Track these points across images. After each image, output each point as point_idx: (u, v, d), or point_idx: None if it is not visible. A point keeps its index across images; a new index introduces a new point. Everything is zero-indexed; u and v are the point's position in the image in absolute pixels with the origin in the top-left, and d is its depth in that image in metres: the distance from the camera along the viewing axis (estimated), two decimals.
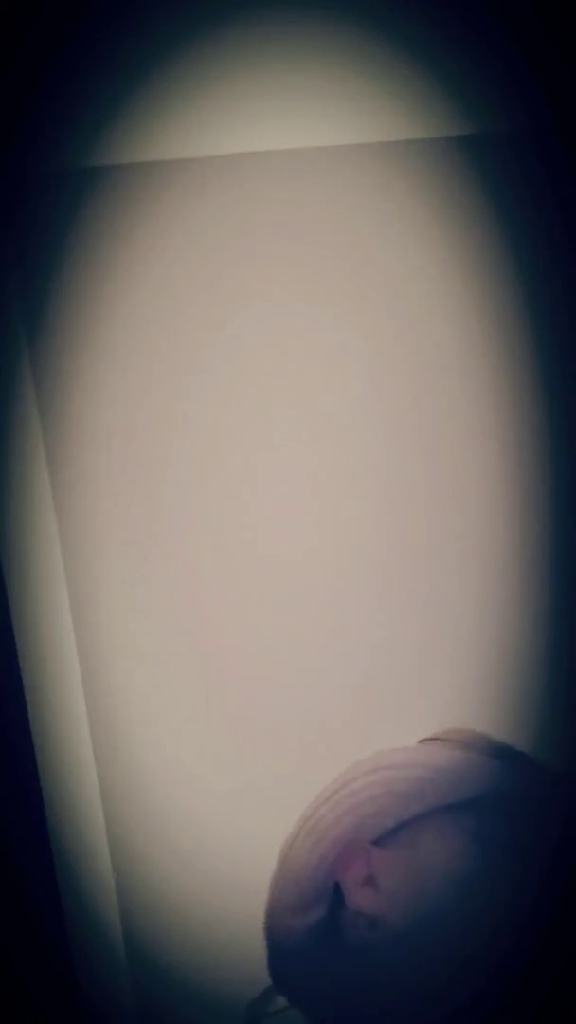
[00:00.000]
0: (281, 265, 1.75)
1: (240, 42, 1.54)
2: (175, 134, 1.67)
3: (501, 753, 1.12)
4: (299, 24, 1.53)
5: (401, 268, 1.77)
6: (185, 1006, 1.68)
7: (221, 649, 1.74)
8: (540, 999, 1.04)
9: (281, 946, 1.09)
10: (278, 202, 1.74)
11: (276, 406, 1.76)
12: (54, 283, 1.70)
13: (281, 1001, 1.13)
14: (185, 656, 1.73)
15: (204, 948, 1.69)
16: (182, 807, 1.70)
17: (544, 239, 1.79)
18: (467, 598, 1.78)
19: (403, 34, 1.56)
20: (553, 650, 1.79)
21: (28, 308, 1.70)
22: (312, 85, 1.63)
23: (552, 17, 1.55)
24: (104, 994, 1.51)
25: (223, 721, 1.72)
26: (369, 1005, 1.05)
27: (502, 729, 1.75)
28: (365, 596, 1.77)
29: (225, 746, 1.72)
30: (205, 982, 1.68)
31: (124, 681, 1.71)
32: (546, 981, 1.04)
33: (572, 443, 1.81)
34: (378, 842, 1.06)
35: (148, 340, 1.73)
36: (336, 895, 1.06)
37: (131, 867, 1.68)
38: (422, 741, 1.15)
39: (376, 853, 1.05)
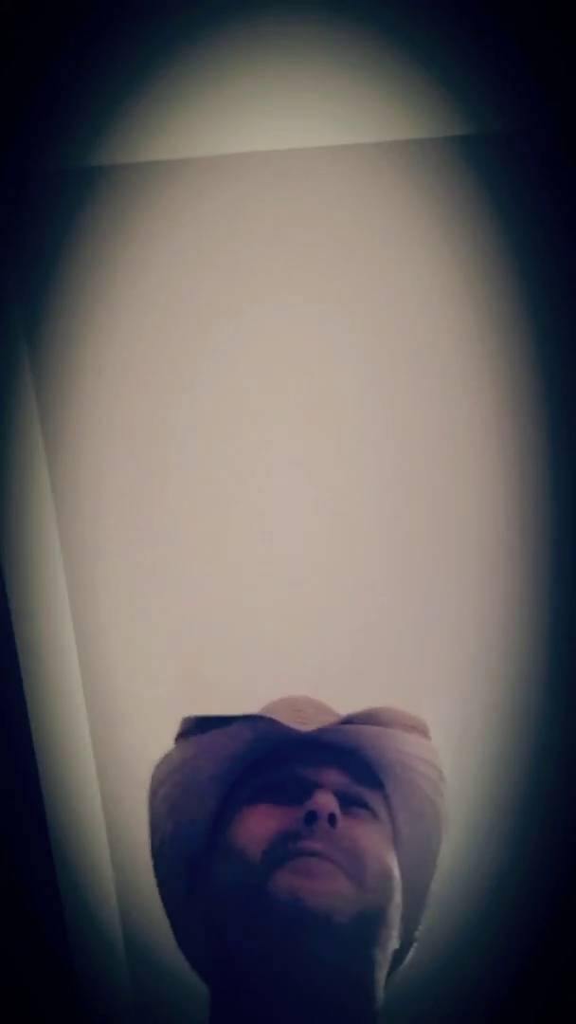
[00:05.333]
0: (281, 265, 1.75)
1: (240, 42, 1.54)
2: (175, 134, 1.67)
3: (218, 722, 1.19)
4: (299, 24, 1.53)
5: (401, 268, 1.78)
6: (185, 1006, 1.68)
7: (222, 648, 1.74)
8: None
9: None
10: (278, 202, 1.74)
11: (277, 405, 1.76)
12: (54, 283, 1.70)
13: None
14: (186, 655, 1.73)
15: None
16: None
17: (544, 239, 1.79)
18: (468, 588, 1.79)
19: (403, 34, 1.56)
20: (555, 638, 1.80)
21: (28, 308, 1.70)
22: (312, 85, 1.63)
23: (552, 17, 1.55)
24: (104, 994, 1.51)
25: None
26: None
27: (503, 718, 1.75)
28: (367, 596, 1.77)
29: None
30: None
31: (124, 681, 1.71)
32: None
33: (571, 436, 1.81)
34: (198, 853, 1.15)
35: (148, 339, 1.73)
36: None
37: (131, 866, 1.69)
38: (176, 739, 1.21)
39: (200, 863, 1.14)
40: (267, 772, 1.14)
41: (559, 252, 1.80)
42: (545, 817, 1.78)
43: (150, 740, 1.71)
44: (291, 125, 1.70)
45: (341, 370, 1.77)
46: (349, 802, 1.11)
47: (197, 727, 1.18)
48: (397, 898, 1.10)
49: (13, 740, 1.31)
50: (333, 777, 1.12)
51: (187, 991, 1.69)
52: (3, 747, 1.31)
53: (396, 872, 1.11)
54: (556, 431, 1.80)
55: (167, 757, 1.21)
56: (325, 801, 1.08)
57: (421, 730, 1.20)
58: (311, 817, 1.06)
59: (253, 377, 1.75)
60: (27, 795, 1.30)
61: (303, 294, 1.75)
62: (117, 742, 1.72)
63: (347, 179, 1.76)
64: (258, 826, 1.09)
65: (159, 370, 1.73)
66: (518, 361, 1.80)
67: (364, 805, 1.13)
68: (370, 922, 1.05)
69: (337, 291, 1.76)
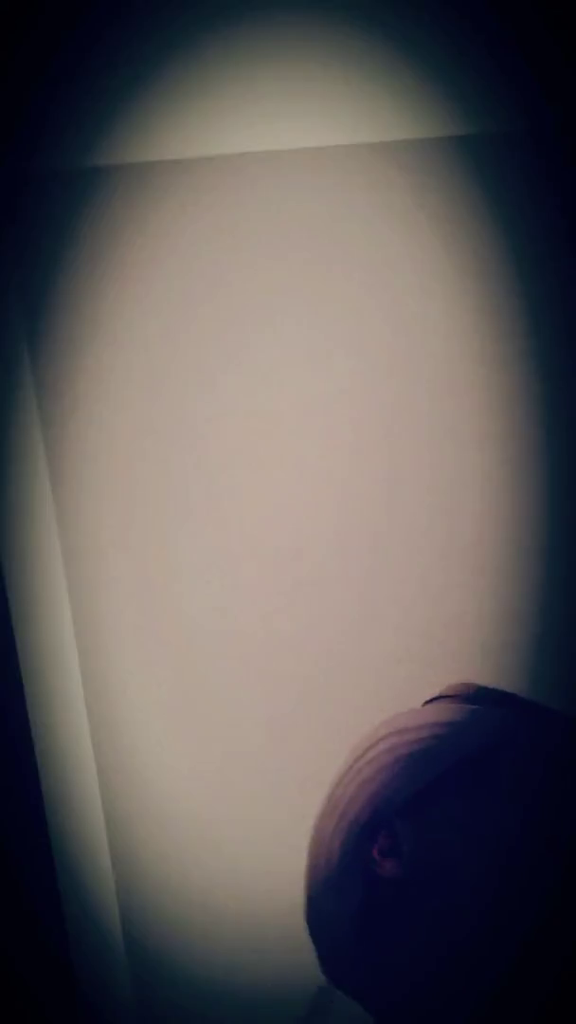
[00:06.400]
0: (281, 265, 1.75)
1: (240, 42, 1.54)
2: (175, 134, 1.67)
3: (506, 702, 1.11)
4: (299, 24, 1.53)
5: (401, 268, 1.78)
6: (185, 1005, 1.68)
7: (223, 647, 1.74)
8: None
9: (326, 935, 1.08)
10: (278, 202, 1.74)
11: (278, 404, 1.76)
12: (54, 283, 1.70)
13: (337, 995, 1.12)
14: (187, 655, 1.73)
15: (204, 947, 1.69)
16: (182, 807, 1.70)
17: (544, 239, 1.79)
18: (467, 585, 1.79)
19: (403, 34, 1.56)
20: (555, 628, 1.80)
21: (28, 308, 1.70)
22: (312, 85, 1.63)
23: (552, 17, 1.55)
24: (104, 994, 1.51)
25: (224, 720, 1.72)
26: (412, 979, 1.05)
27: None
28: (368, 594, 1.77)
29: (226, 745, 1.72)
30: (205, 981, 1.68)
31: (124, 680, 1.71)
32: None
33: (570, 434, 1.81)
34: (400, 810, 1.06)
35: (148, 340, 1.73)
36: (368, 873, 1.05)
37: (131, 866, 1.69)
38: (428, 702, 1.15)
39: (398, 823, 1.05)
40: (504, 765, 1.09)
41: (558, 251, 1.80)
42: None
43: (150, 740, 1.71)
44: (291, 125, 1.70)
45: (342, 369, 1.77)
46: None
47: (471, 695, 1.13)
48: None
49: (13, 741, 1.31)
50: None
51: (187, 991, 1.69)
52: (3, 747, 1.31)
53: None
54: (554, 428, 1.80)
55: (415, 712, 1.14)
56: None
57: None
58: (552, 841, 1.03)
59: (254, 376, 1.75)
60: (27, 795, 1.30)
61: (303, 293, 1.75)
62: (117, 742, 1.71)
63: (347, 179, 1.76)
64: (485, 819, 1.05)
65: (159, 370, 1.73)
66: (517, 359, 1.80)
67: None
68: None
69: (337, 290, 1.76)
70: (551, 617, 1.80)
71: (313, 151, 1.75)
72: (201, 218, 1.73)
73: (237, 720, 1.73)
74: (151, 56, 1.53)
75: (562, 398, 1.81)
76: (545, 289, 1.80)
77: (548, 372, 1.80)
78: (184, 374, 1.74)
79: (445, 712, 1.10)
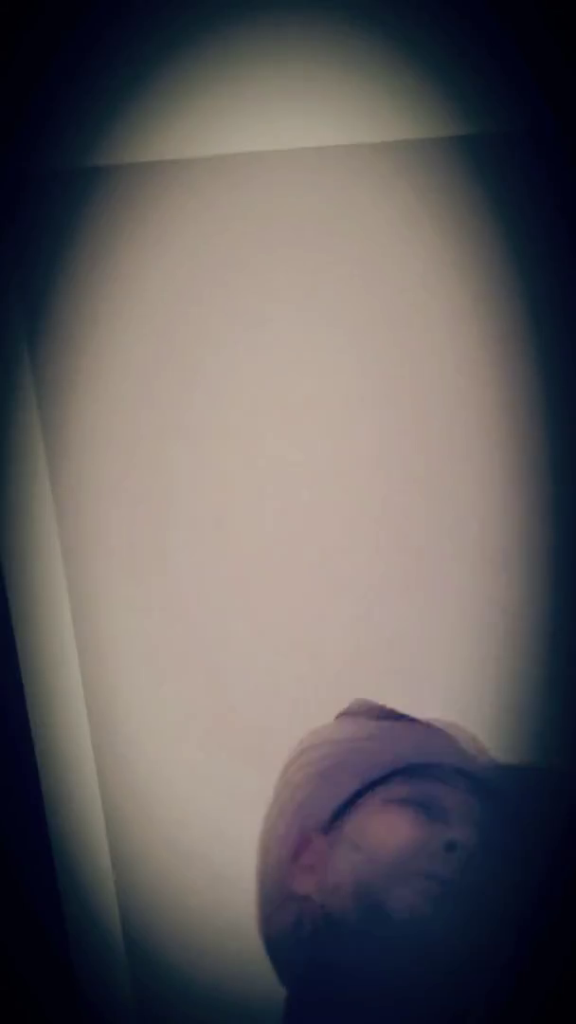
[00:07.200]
0: (281, 265, 1.75)
1: (241, 42, 1.54)
2: (175, 134, 1.67)
3: (404, 720, 1.14)
4: (299, 24, 1.53)
5: (401, 268, 1.77)
6: (185, 1005, 1.68)
7: (223, 648, 1.74)
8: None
9: (271, 942, 1.11)
10: (278, 202, 1.74)
11: (278, 405, 1.76)
12: (54, 283, 1.70)
13: None
14: (187, 656, 1.73)
15: (204, 947, 1.69)
16: (183, 807, 1.70)
17: (544, 239, 1.79)
18: (466, 585, 1.78)
19: (403, 34, 1.56)
20: (554, 637, 1.79)
21: (28, 308, 1.70)
22: (312, 85, 1.63)
23: (552, 17, 1.55)
24: (104, 994, 1.51)
25: (225, 720, 1.72)
26: (347, 994, 1.06)
27: (502, 719, 1.75)
28: (367, 592, 1.77)
29: (226, 745, 1.72)
30: (205, 982, 1.68)
31: (124, 680, 1.71)
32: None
33: (571, 435, 1.81)
34: (325, 827, 1.08)
35: (149, 340, 1.73)
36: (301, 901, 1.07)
37: (131, 866, 1.68)
38: (338, 716, 1.17)
39: (317, 840, 1.06)
40: (418, 781, 1.11)
41: (558, 251, 1.80)
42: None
43: (151, 740, 1.71)
44: (291, 125, 1.70)
45: (342, 371, 1.77)
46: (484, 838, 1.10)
47: (376, 713, 1.15)
48: (506, 935, 1.09)
49: (13, 741, 1.31)
50: (477, 812, 1.11)
51: (187, 991, 1.69)
52: (3, 747, 1.31)
53: (511, 911, 1.10)
54: (556, 430, 1.80)
55: (327, 727, 1.17)
56: (471, 834, 1.07)
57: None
58: (451, 846, 1.06)
59: (254, 377, 1.75)
60: (27, 795, 1.30)
61: (303, 294, 1.75)
62: (117, 742, 1.71)
63: (347, 179, 1.76)
64: (392, 831, 1.07)
65: (160, 370, 1.73)
66: (518, 361, 1.79)
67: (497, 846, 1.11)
68: (471, 952, 1.05)
69: (337, 291, 1.76)
70: (551, 617, 1.80)
71: (313, 151, 1.75)
72: (201, 218, 1.73)
73: (238, 721, 1.73)
74: (151, 56, 1.53)
75: (562, 398, 1.81)
76: (545, 289, 1.80)
77: (548, 372, 1.80)
78: (184, 374, 1.74)
79: (354, 728, 1.12)
